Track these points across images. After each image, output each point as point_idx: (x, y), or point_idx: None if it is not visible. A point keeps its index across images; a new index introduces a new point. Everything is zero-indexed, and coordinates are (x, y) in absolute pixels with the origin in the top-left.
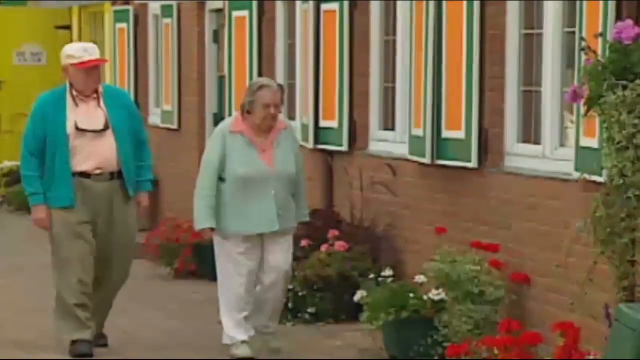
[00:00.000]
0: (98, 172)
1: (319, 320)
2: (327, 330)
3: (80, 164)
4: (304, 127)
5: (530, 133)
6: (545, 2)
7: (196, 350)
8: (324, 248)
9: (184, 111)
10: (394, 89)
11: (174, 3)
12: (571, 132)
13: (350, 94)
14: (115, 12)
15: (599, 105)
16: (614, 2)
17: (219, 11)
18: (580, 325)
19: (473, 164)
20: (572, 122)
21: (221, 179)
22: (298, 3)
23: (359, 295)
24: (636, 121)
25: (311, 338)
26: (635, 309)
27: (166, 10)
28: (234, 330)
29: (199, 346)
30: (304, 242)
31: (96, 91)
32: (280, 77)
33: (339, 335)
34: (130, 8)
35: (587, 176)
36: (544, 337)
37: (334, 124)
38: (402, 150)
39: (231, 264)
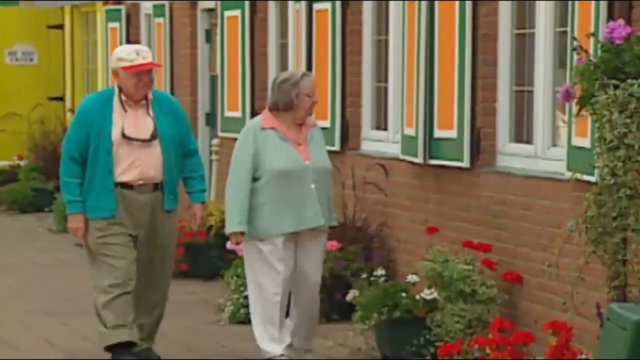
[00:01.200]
0: (141, 182)
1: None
2: (319, 330)
3: (124, 173)
4: None
5: (523, 132)
6: (537, 2)
7: (190, 350)
8: None
9: None
10: (386, 88)
11: (166, 2)
12: (563, 132)
13: (343, 93)
14: (107, 11)
15: (590, 104)
16: (606, 2)
17: (211, 10)
18: (571, 324)
19: (465, 163)
20: (563, 121)
21: (254, 179)
22: (290, 2)
23: (351, 295)
24: (627, 120)
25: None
26: (627, 308)
27: (158, 10)
28: (269, 344)
29: (193, 346)
30: None
31: (145, 97)
32: (272, 76)
33: (331, 335)
34: (122, 7)
35: (578, 175)
36: (535, 336)
37: (326, 123)
38: (394, 149)
39: (266, 270)
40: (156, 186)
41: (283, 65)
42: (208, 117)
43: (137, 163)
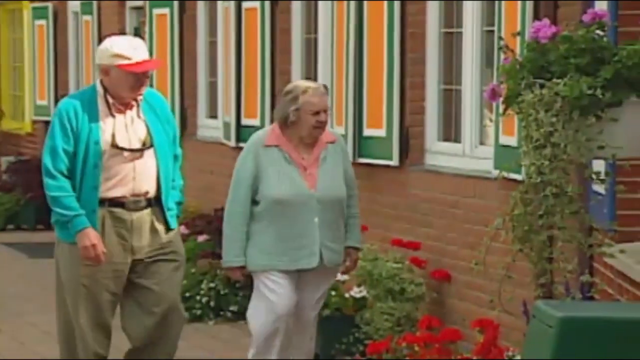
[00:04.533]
0: (133, 199)
1: (241, 318)
2: (247, 328)
3: (113, 188)
4: (226, 125)
5: (451, 131)
6: (464, 1)
7: (118, 348)
8: None
9: None
10: None
11: (94, 0)
12: (491, 131)
13: (272, 92)
14: (34, 8)
15: (516, 103)
16: (532, 2)
17: (140, 8)
18: (499, 321)
19: (394, 161)
20: (491, 120)
21: (254, 202)
22: (219, 1)
23: None
24: (553, 119)
25: (233, 336)
26: (552, 305)
27: (86, 7)
28: None
29: (121, 344)
30: None
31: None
32: (202, 75)
33: None
34: (49, 5)
35: (505, 174)
36: (463, 333)
37: (256, 122)
38: None
39: (263, 303)
40: (149, 202)
41: (212, 63)
42: None
43: (130, 176)
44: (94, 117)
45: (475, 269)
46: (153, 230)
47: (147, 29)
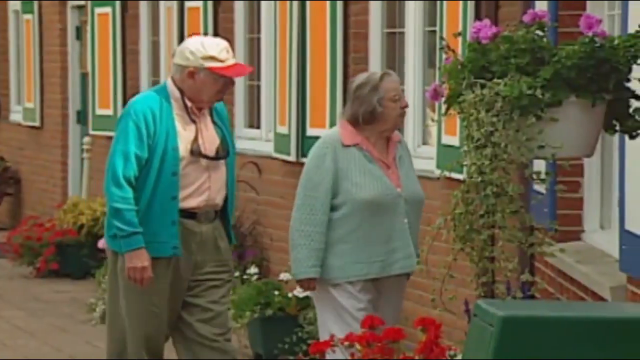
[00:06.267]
0: (205, 210)
1: None
2: None
3: (187, 199)
4: None
5: None
6: (406, 1)
7: (60, 350)
8: None
9: (46, 108)
10: (259, 86)
11: None
12: (433, 130)
13: None
14: None
15: (458, 103)
16: (473, 2)
17: (81, 7)
18: (441, 320)
19: None
20: (433, 120)
21: (330, 208)
22: (161, 1)
23: None
24: (494, 119)
25: None
26: (493, 304)
27: (26, 6)
28: None
29: (63, 346)
30: None
31: None
32: (145, 74)
33: None
34: None
35: (447, 173)
36: (406, 332)
37: None
38: (267, 148)
39: (339, 323)
40: (216, 214)
41: (155, 63)
42: (79, 115)
43: (205, 186)
44: (170, 122)
45: (418, 269)
46: (216, 245)
47: (88, 28)
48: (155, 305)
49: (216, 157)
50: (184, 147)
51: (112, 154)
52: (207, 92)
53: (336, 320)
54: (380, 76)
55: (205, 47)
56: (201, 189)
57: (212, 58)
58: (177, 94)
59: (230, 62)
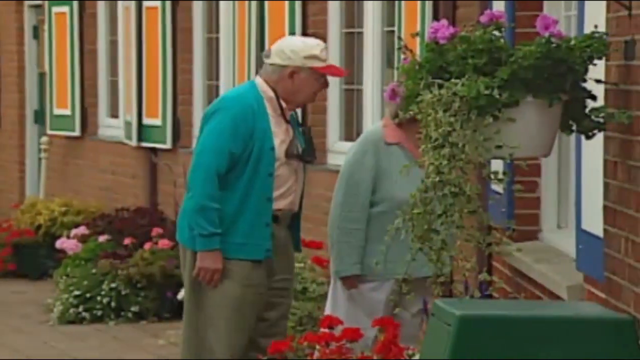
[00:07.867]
0: (288, 213)
1: (142, 318)
2: (151, 329)
3: (279, 201)
4: (127, 125)
5: (352, 131)
6: (365, 1)
7: (18, 351)
8: (147, 246)
9: (4, 107)
10: (217, 86)
11: None
12: None
13: (174, 91)
14: None
15: (415, 103)
16: (431, 3)
17: (38, 7)
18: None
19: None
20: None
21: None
22: (119, 0)
23: (182, 294)
24: (452, 119)
25: (134, 336)
26: (451, 303)
27: None
28: None
29: (21, 347)
30: (127, 240)
31: None
32: (103, 74)
33: (162, 334)
34: None
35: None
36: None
37: (157, 121)
38: None
39: (368, 322)
40: (292, 218)
41: (113, 62)
42: (36, 115)
43: (293, 189)
44: (265, 121)
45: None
46: (287, 251)
47: (46, 27)
48: (248, 315)
49: (308, 160)
50: (280, 148)
51: (203, 148)
52: (305, 92)
53: (370, 317)
54: None
55: (308, 46)
56: (289, 191)
57: (315, 57)
58: (270, 93)
59: (330, 62)
